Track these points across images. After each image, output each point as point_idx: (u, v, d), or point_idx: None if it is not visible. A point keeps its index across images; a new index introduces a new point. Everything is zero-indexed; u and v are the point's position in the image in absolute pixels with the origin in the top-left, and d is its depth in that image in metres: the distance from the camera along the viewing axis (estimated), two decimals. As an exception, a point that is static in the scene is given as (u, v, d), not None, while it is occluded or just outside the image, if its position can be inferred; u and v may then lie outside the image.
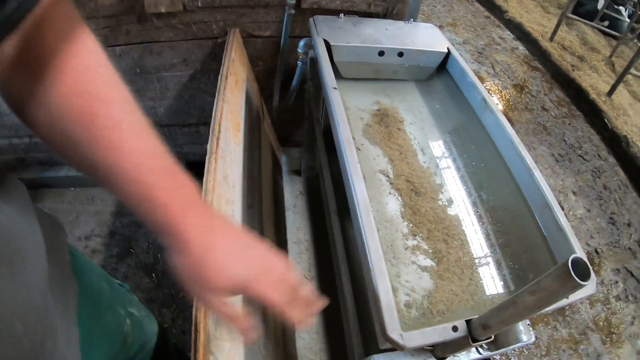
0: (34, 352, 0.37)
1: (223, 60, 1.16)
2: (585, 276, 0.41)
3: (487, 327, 0.58)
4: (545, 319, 1.79)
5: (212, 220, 0.45)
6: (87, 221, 1.86)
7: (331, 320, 1.44)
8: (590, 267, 0.42)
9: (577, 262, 0.42)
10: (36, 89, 0.38)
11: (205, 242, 0.43)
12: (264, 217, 1.33)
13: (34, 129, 0.41)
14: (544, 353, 1.68)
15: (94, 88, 0.39)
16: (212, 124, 0.94)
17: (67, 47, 0.39)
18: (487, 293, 0.78)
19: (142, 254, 1.75)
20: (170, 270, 0.45)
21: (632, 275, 2.06)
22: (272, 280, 0.46)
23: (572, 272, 0.40)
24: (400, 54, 1.18)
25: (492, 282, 0.80)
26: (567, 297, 0.70)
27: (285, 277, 0.47)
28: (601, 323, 1.83)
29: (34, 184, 1.93)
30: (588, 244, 2.16)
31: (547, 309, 0.52)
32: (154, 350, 0.86)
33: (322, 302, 0.51)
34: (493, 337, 0.65)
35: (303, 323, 0.48)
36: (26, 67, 0.37)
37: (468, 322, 0.64)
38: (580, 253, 0.71)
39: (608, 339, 1.78)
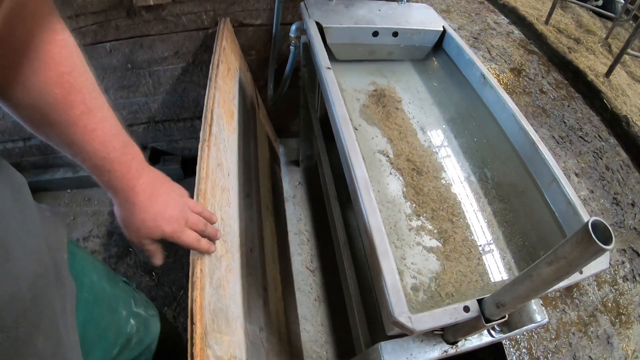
0: (18, 347, 0.37)
1: (214, 49, 1.13)
2: (607, 239, 0.38)
3: (501, 305, 0.55)
4: (554, 302, 1.76)
5: (153, 185, 0.58)
6: (84, 222, 1.82)
7: (336, 312, 1.41)
8: (612, 230, 0.39)
9: (596, 226, 0.38)
10: (17, 74, 0.42)
11: (146, 205, 0.56)
12: (262, 206, 1.30)
13: (12, 108, 0.46)
14: (553, 337, 1.65)
15: (71, 78, 0.45)
16: (204, 111, 0.90)
17: (44, 36, 0.43)
18: (497, 272, 0.75)
19: (141, 253, 1.71)
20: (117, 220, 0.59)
21: (639, 255, 2.04)
22: (186, 227, 0.61)
23: (593, 235, 0.37)
24: (395, 34, 1.14)
25: (501, 261, 0.77)
26: (581, 272, 0.67)
27: (195, 224, 0.63)
28: (610, 304, 1.80)
29: (30, 187, 1.88)
30: (593, 225, 2.13)
31: (563, 282, 0.49)
32: (156, 347, 0.82)
33: (219, 233, 0.68)
34: (507, 316, 0.61)
35: (211, 248, 0.65)
36: (7, 53, 0.41)
37: (480, 301, 0.60)
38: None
39: (617, 320, 1.75)
